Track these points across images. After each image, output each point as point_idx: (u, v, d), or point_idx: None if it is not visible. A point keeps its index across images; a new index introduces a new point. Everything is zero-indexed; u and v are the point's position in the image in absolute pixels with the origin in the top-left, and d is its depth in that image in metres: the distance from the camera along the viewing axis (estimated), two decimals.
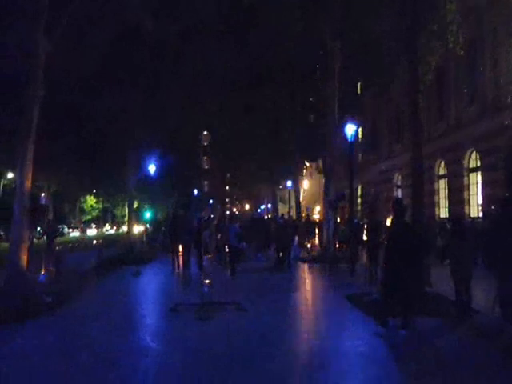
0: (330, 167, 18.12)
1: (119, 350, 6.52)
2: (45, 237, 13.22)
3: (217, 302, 9.02)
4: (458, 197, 21.71)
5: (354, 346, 6.55)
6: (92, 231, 63.46)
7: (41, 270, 11.20)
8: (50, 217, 44.50)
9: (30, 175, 9.86)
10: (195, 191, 34.10)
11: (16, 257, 9.54)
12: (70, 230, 57.51)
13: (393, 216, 7.56)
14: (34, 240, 12.76)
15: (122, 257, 18.32)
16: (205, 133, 9.51)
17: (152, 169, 24.65)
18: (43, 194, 39.75)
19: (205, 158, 9.45)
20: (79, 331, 7.58)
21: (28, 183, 9.84)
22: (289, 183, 34.13)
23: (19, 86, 10.20)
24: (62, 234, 50.13)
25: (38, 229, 15.81)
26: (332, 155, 17.93)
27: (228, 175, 37.84)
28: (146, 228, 27.05)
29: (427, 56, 10.46)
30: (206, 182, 8.69)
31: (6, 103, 14.88)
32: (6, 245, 16.67)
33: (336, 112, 17.10)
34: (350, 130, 13.47)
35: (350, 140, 13.64)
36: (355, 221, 17.44)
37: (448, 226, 18.57)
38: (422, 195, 9.97)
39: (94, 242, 21.28)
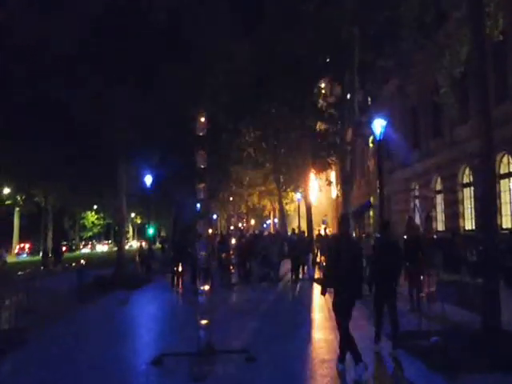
0: (350, 174, 15.74)
1: None
2: None
3: (217, 349, 6.62)
4: None
5: None
6: (103, 248, 61.96)
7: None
8: (50, 234, 41.98)
9: None
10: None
11: None
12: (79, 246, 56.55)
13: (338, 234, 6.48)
14: None
15: (109, 280, 15.85)
16: (202, 119, 7.02)
17: (148, 180, 22.28)
18: None
19: (200, 152, 6.91)
20: None
21: None
22: (298, 195, 31.76)
23: None
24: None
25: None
26: (352, 160, 15.55)
27: (233, 186, 35.88)
28: (141, 245, 24.53)
29: None
30: (202, 185, 6.40)
31: None
32: None
33: (356, 110, 14.78)
34: (379, 126, 11.11)
35: (378, 138, 11.28)
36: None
37: None
38: (495, 199, 7.59)
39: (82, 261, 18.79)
